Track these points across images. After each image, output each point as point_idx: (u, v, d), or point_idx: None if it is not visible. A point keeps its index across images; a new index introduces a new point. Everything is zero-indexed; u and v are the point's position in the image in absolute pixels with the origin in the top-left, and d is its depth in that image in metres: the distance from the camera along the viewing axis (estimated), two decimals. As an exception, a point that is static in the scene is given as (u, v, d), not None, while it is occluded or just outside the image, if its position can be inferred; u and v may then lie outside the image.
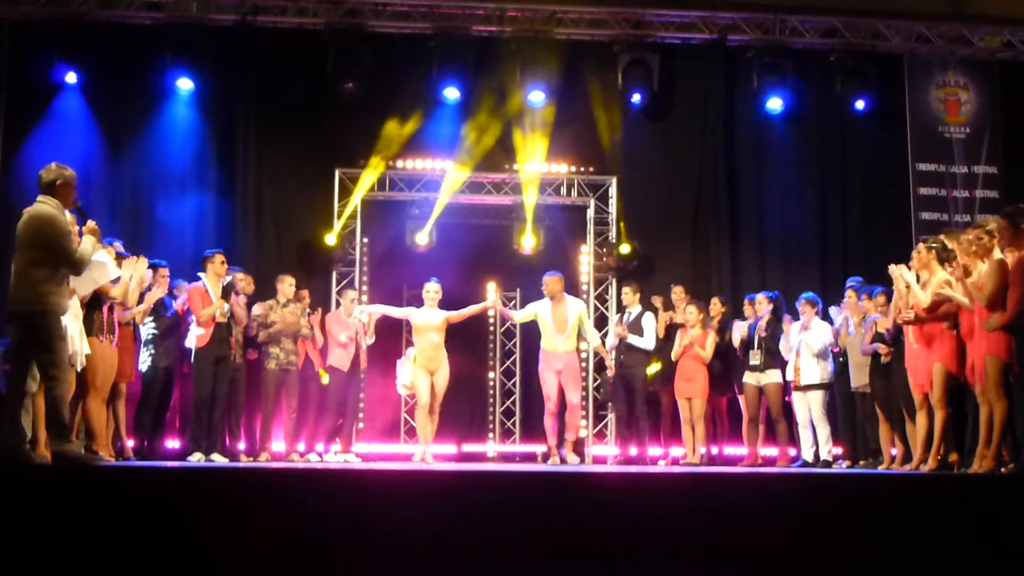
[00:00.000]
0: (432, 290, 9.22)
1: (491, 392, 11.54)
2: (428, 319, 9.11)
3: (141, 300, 8.19)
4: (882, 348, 8.29)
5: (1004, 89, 11.86)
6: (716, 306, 10.10)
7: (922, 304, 7.11)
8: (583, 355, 11.22)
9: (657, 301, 10.22)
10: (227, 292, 8.75)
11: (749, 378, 9.48)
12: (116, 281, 7.49)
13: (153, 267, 8.74)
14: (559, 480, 5.08)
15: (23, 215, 5.90)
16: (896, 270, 7.50)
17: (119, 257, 8.01)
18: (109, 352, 7.73)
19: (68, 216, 6.06)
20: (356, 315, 9.47)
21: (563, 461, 9.14)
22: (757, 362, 9.41)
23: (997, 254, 6.59)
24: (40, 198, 5.91)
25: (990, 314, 6.41)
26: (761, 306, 9.57)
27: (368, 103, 11.09)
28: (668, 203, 11.63)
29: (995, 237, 6.65)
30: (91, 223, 6.11)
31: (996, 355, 6.40)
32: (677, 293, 10.18)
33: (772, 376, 9.40)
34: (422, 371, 9.07)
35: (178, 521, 4.32)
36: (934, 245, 7.30)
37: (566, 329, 9.24)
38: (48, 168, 6.00)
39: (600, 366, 11.12)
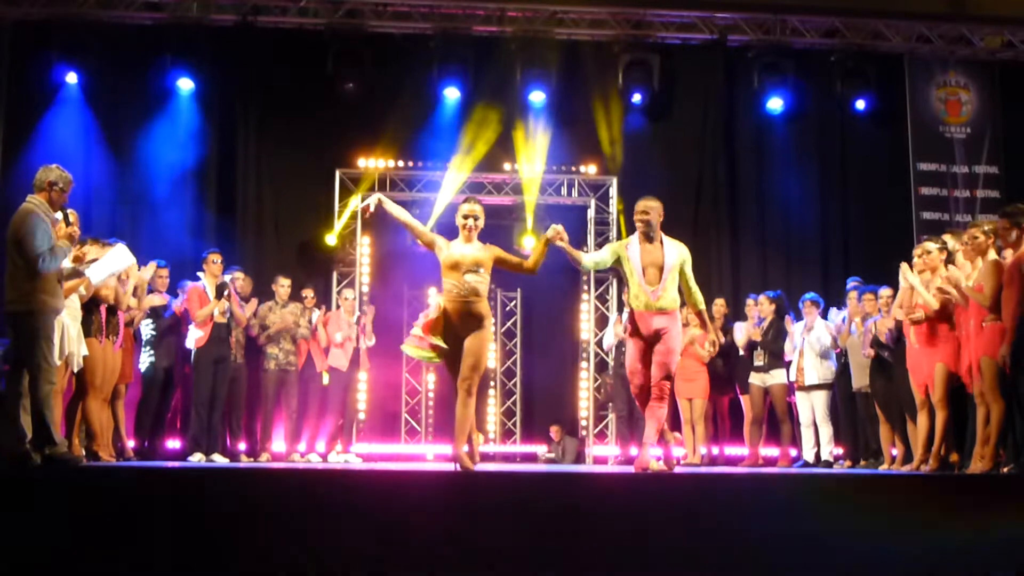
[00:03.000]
0: (472, 213, 6.14)
1: (492, 392, 11.53)
2: (464, 252, 6.05)
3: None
4: (870, 353, 8.31)
5: (1004, 89, 11.87)
6: (719, 307, 10.08)
7: (931, 306, 7.11)
8: (585, 353, 11.23)
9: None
10: (220, 291, 8.76)
11: (755, 379, 9.49)
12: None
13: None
14: (559, 481, 5.08)
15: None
16: (905, 271, 7.50)
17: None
18: (109, 354, 7.75)
19: (57, 217, 6.05)
20: (370, 202, 6.27)
21: (644, 468, 6.36)
22: (761, 363, 9.43)
23: (992, 254, 6.59)
24: (30, 197, 5.97)
25: (988, 314, 6.42)
26: (763, 307, 9.58)
27: (368, 103, 11.10)
28: (668, 203, 11.33)
29: (992, 237, 6.66)
30: (70, 228, 6.10)
31: (992, 355, 6.40)
32: None
33: (777, 376, 9.41)
34: (450, 332, 5.95)
35: (178, 521, 4.32)
36: (944, 247, 7.30)
37: (660, 278, 6.24)
38: (43, 169, 6.05)
39: (600, 366, 11.12)
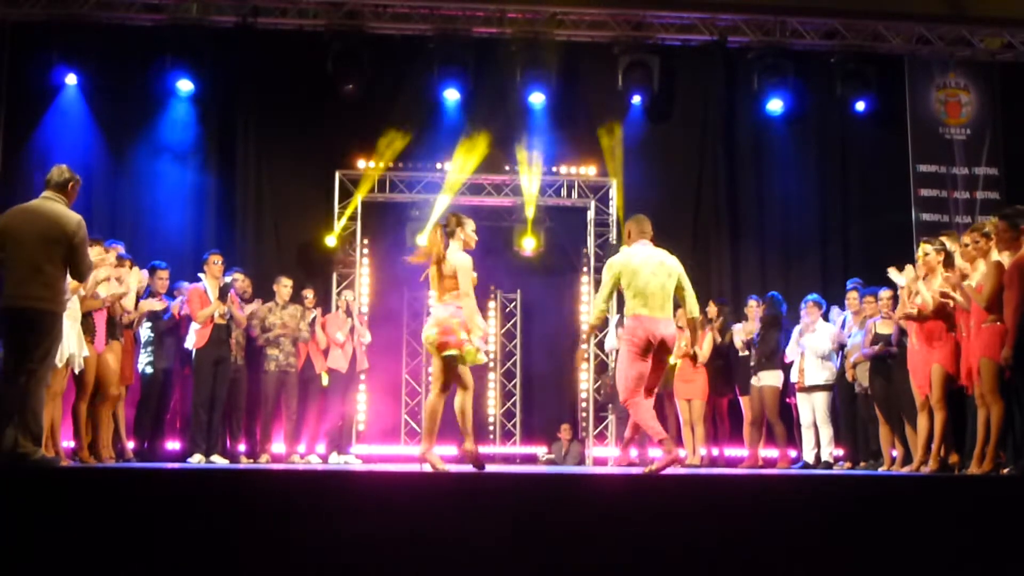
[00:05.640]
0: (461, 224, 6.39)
1: (491, 393, 11.53)
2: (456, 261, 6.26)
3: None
4: (881, 345, 8.30)
5: (1004, 90, 11.85)
6: (712, 309, 10.09)
7: (929, 306, 7.12)
8: (585, 354, 11.24)
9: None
10: (224, 293, 8.76)
11: (753, 380, 9.51)
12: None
13: (152, 269, 8.77)
14: (559, 482, 5.08)
15: (32, 209, 5.75)
16: (902, 274, 7.51)
17: (120, 259, 8.06)
18: (110, 356, 7.76)
19: None
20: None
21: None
22: (753, 364, 9.47)
23: (995, 255, 6.60)
24: (51, 195, 5.79)
25: (988, 315, 6.43)
26: (752, 309, 9.68)
27: (368, 105, 11.10)
28: (668, 204, 11.63)
29: (992, 239, 6.66)
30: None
31: (991, 357, 6.40)
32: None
33: (767, 379, 9.42)
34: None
35: (178, 523, 4.32)
36: (941, 248, 7.31)
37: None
38: (60, 168, 5.91)
39: (601, 367, 11.12)
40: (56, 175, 5.87)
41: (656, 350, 6.14)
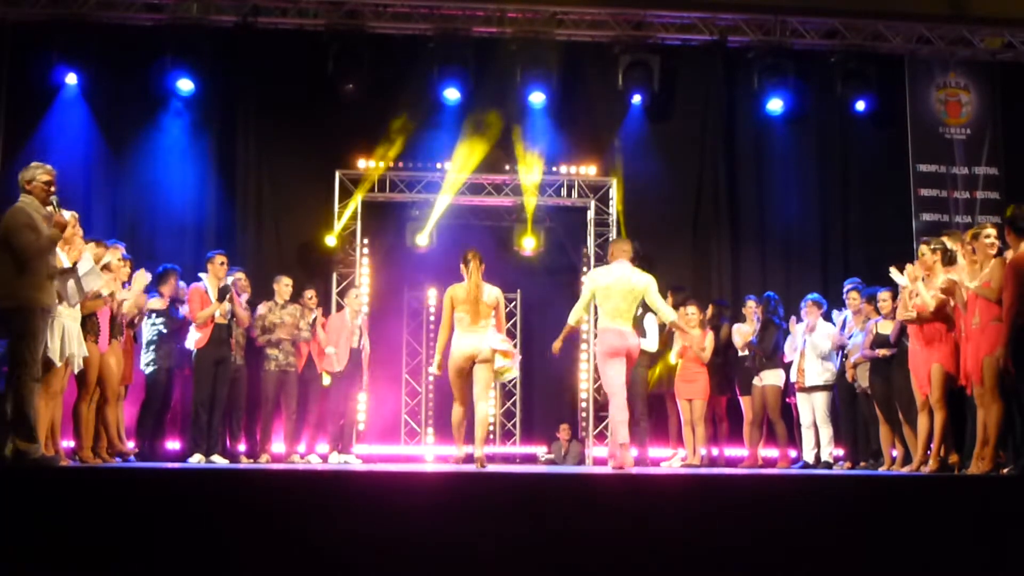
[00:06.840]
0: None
1: (491, 393, 11.51)
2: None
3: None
4: (881, 352, 8.30)
5: (1005, 90, 11.85)
6: (710, 310, 10.09)
7: (928, 307, 7.12)
8: (585, 354, 11.25)
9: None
10: (223, 293, 8.75)
11: (755, 380, 9.51)
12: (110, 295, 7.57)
13: (168, 272, 8.78)
14: (560, 481, 5.08)
15: None
16: (903, 274, 7.52)
17: (123, 260, 8.05)
18: (111, 355, 7.76)
19: (48, 212, 6.03)
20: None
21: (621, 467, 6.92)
22: (756, 364, 9.48)
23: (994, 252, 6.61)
24: (21, 197, 5.96)
25: (993, 314, 6.42)
26: (751, 310, 9.69)
27: (368, 104, 11.08)
28: (668, 204, 11.63)
29: (997, 239, 6.66)
30: (58, 216, 6.03)
31: (993, 355, 6.39)
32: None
33: (769, 378, 9.42)
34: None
35: (178, 522, 4.32)
36: (938, 247, 7.31)
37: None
38: (25, 168, 6.05)
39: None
40: (19, 178, 6.02)
41: (624, 355, 7.16)
